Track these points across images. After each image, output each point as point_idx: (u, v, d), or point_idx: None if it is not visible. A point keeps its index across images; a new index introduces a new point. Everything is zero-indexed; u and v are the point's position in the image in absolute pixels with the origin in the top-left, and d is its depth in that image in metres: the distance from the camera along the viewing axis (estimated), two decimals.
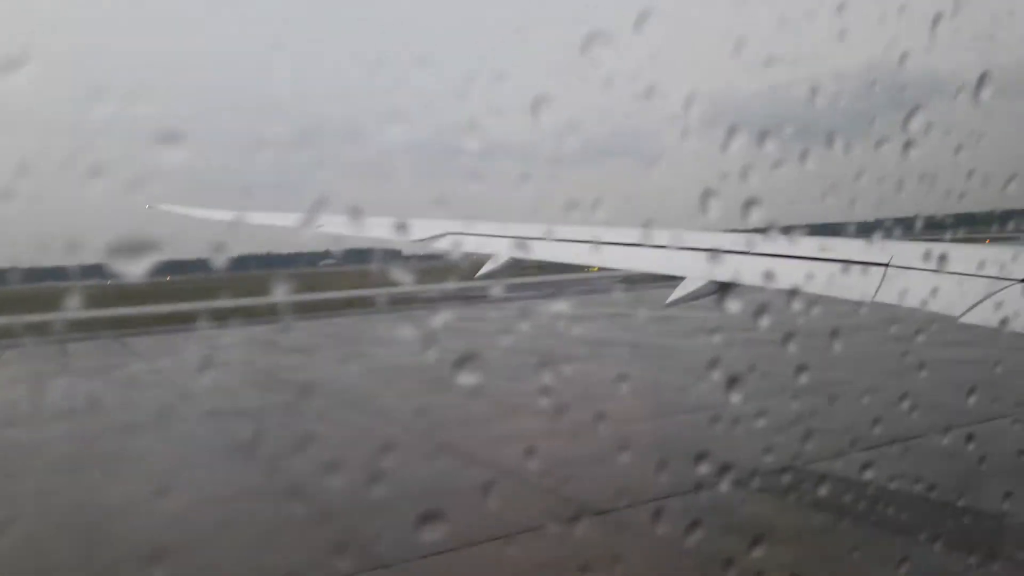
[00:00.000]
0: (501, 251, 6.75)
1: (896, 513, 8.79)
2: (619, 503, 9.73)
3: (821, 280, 5.01)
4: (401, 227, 6.55)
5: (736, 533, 7.02)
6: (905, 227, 4.89)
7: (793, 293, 4.80)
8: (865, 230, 5.14)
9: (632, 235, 6.60)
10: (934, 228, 5.38)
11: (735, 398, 4.95)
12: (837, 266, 5.04)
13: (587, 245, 6.98)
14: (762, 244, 5.42)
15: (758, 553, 5.92)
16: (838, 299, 4.95)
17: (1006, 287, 4.38)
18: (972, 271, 4.59)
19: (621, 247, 6.71)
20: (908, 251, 4.94)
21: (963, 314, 4.36)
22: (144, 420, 17.08)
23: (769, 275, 5.24)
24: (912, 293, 4.83)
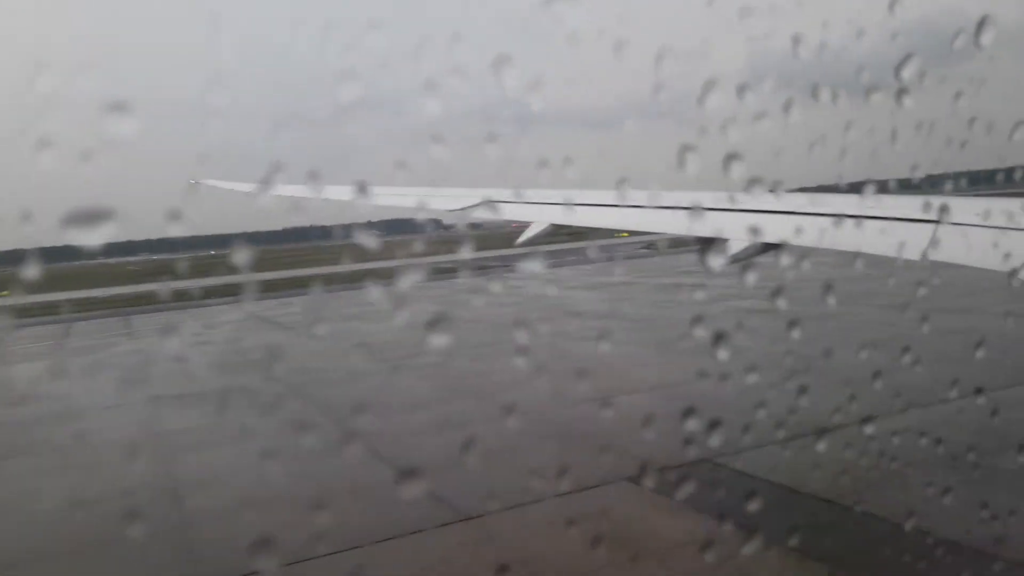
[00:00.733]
0: (542, 218, 6.74)
1: None
2: None
3: (868, 238, 4.87)
4: (439, 196, 6.58)
5: None
6: (951, 183, 4.72)
7: (839, 253, 4.69)
8: (907, 188, 4.97)
9: (673, 198, 6.50)
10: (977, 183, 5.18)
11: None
12: (885, 224, 4.90)
13: (630, 209, 6.91)
14: (804, 204, 5.29)
15: None
16: (885, 257, 4.81)
17: None
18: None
19: (665, 210, 6.63)
20: (961, 207, 4.77)
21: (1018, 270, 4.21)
22: None
23: (814, 234, 5.11)
24: (966, 250, 4.67)
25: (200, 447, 13.51)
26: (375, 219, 8.19)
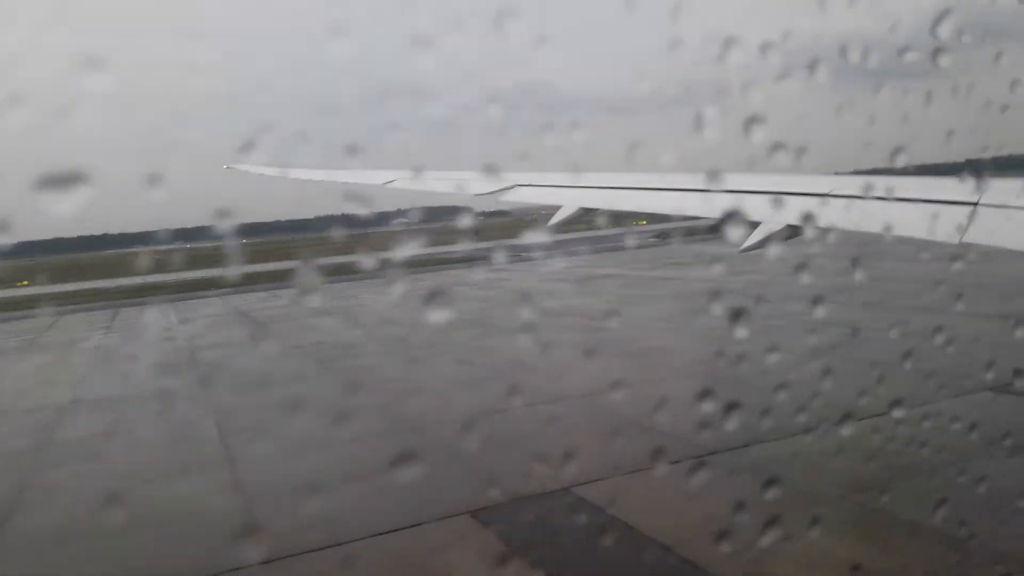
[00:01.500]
0: (571, 202, 6.73)
1: None
2: None
3: (904, 221, 4.79)
4: (470, 181, 6.60)
5: None
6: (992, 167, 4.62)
7: (873, 235, 4.62)
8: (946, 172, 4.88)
9: (699, 180, 6.44)
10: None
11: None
12: (920, 206, 4.81)
13: (660, 192, 6.87)
14: (836, 186, 5.22)
15: None
16: (922, 241, 4.73)
17: None
18: None
19: (694, 193, 6.57)
20: (1000, 189, 4.66)
21: None
22: None
23: (847, 217, 5.04)
24: (1006, 232, 4.57)
25: None
26: (404, 206, 8.26)
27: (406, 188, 6.90)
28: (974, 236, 4.64)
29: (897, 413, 7.77)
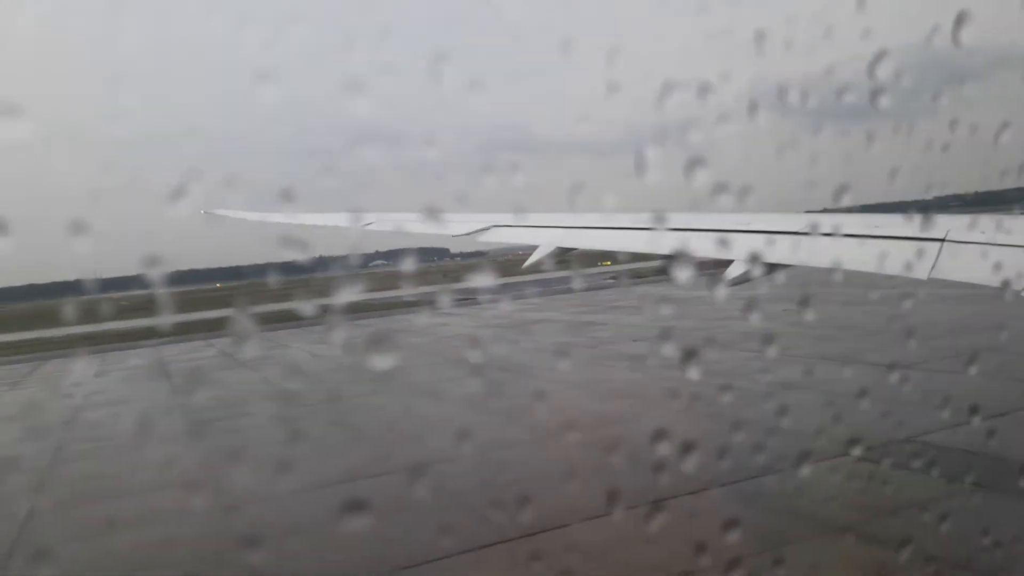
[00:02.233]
0: (548, 241, 6.73)
1: None
2: None
3: (872, 258, 4.80)
4: (445, 222, 6.61)
5: None
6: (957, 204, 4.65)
7: (840, 273, 4.61)
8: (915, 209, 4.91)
9: (681, 220, 6.45)
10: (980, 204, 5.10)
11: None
12: (888, 243, 4.82)
13: (640, 232, 6.87)
14: (809, 224, 5.24)
15: None
16: (891, 276, 4.73)
17: None
18: None
19: (674, 232, 6.57)
20: (965, 225, 4.68)
21: None
22: None
23: (818, 255, 5.05)
24: (972, 267, 4.58)
25: None
26: (382, 249, 8.26)
27: (383, 230, 6.91)
28: (943, 271, 4.65)
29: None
